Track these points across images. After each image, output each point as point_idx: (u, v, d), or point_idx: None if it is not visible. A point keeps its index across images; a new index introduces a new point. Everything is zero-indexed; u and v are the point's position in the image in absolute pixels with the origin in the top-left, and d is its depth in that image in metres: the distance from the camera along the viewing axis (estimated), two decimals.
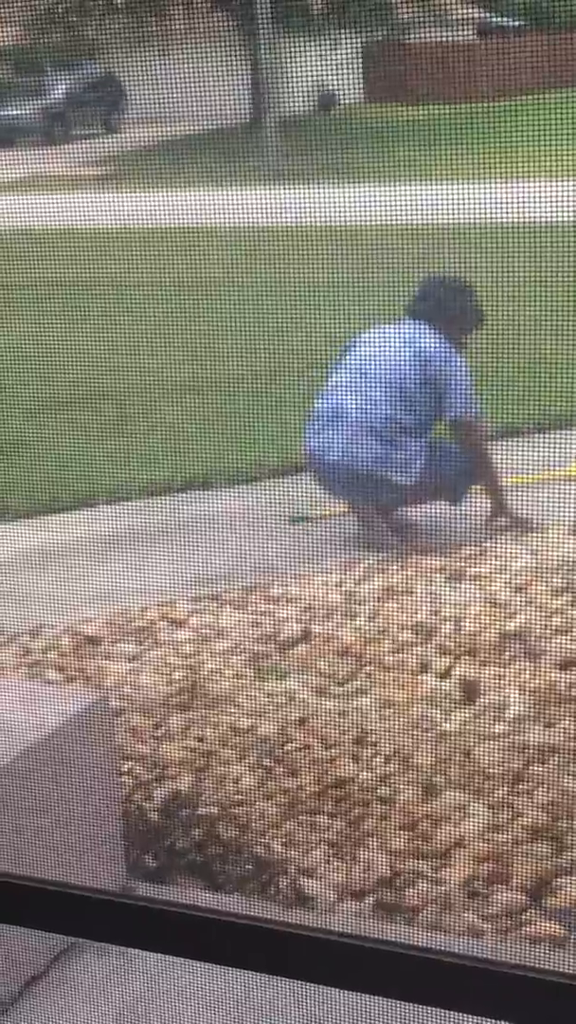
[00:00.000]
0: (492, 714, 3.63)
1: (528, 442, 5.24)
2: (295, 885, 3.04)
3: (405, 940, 2.89)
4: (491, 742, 3.48)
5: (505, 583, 4.45)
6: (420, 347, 4.89)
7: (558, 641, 4.01)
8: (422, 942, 2.85)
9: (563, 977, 1.38)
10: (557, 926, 2.83)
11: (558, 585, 4.40)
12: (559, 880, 2.94)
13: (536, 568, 4.55)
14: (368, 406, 4.93)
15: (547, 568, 4.53)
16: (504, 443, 5.31)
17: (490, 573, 4.57)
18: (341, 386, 4.99)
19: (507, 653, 3.97)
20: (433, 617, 4.26)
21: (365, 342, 5.03)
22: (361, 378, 4.97)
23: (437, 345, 4.89)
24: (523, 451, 5.18)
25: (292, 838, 3.20)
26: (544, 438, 5.30)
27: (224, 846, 3.20)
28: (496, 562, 4.64)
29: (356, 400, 4.94)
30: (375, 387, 4.94)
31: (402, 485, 4.94)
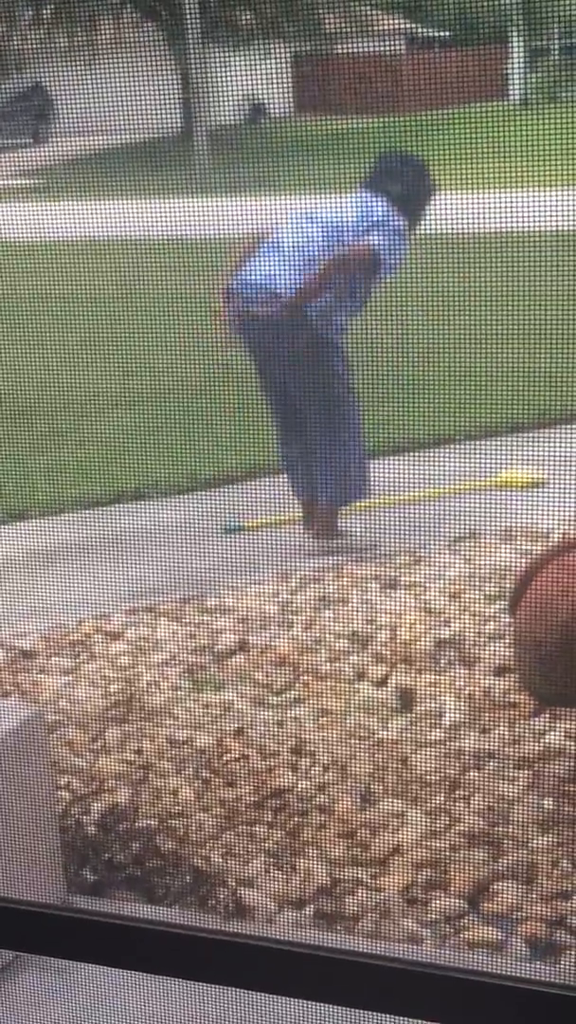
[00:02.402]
0: (428, 721, 3.65)
1: (459, 451, 5.29)
2: (235, 896, 3.04)
3: (345, 947, 2.90)
4: (428, 749, 3.50)
5: (440, 591, 4.48)
6: (365, 208, 4.97)
7: (492, 648, 4.04)
8: (361, 949, 2.86)
9: (499, 979, 1.39)
10: (494, 931, 2.85)
11: (491, 592, 4.43)
12: (496, 885, 2.96)
13: (470, 575, 4.58)
14: (299, 246, 5.00)
15: (480, 575, 4.57)
16: (436, 452, 5.35)
17: (424, 581, 4.60)
18: (274, 249, 5.06)
19: (442, 660, 4.00)
20: (368, 626, 4.28)
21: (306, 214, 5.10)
22: (311, 223, 5.04)
23: (383, 207, 4.97)
24: (454, 461, 5.23)
25: (231, 849, 3.20)
26: (474, 447, 5.35)
27: (163, 859, 3.19)
28: (430, 570, 4.67)
29: (287, 253, 5.01)
30: (309, 231, 5.01)
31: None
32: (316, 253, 5.00)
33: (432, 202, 5.02)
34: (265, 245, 5.09)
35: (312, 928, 2.95)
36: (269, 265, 5.04)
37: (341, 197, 5.16)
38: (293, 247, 5.05)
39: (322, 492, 5.10)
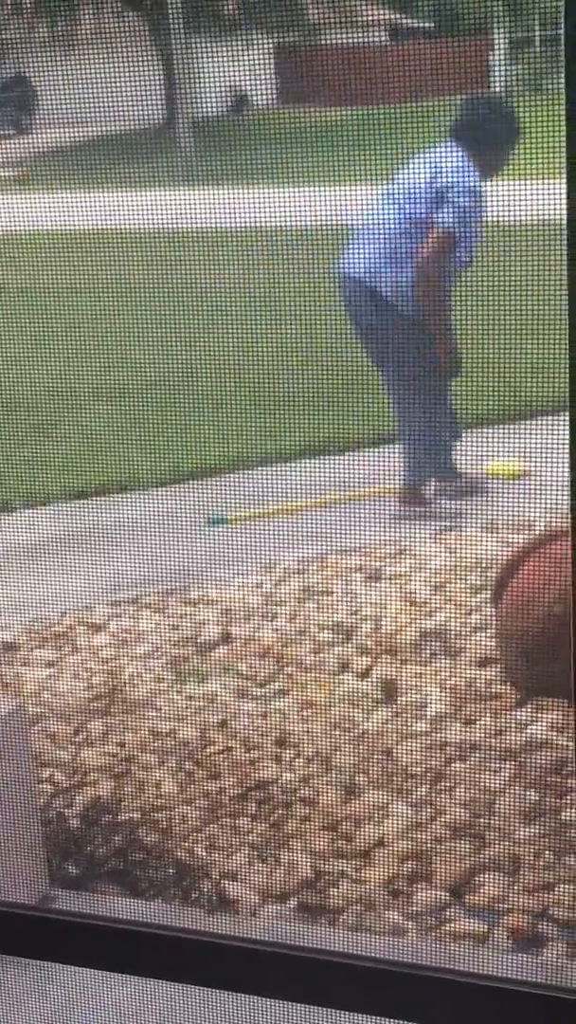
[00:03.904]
0: (412, 713, 3.64)
1: None
2: (218, 889, 3.03)
3: (329, 941, 2.89)
4: (412, 741, 3.49)
5: (423, 581, 4.47)
6: (439, 166, 4.91)
7: (476, 639, 4.04)
8: (345, 943, 2.85)
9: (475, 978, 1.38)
10: (478, 923, 2.84)
11: (475, 583, 4.42)
12: (479, 877, 2.96)
13: (454, 566, 4.58)
14: (391, 227, 5.02)
15: (464, 566, 4.56)
16: None
17: (408, 572, 4.59)
18: (378, 208, 5.08)
19: (426, 651, 3.99)
20: (352, 617, 4.27)
21: (409, 165, 5.07)
22: (391, 203, 5.03)
23: (457, 162, 4.90)
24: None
25: (215, 842, 3.19)
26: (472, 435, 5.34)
27: (146, 852, 3.18)
28: (413, 561, 4.66)
29: (384, 221, 5.04)
30: (397, 208, 5.00)
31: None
32: (396, 234, 5.01)
33: (516, 148, 4.89)
34: (357, 231, 5.14)
35: (295, 921, 2.94)
36: (361, 256, 5.07)
37: (418, 155, 5.09)
38: (376, 233, 5.09)
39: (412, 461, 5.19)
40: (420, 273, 4.93)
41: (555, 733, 3.45)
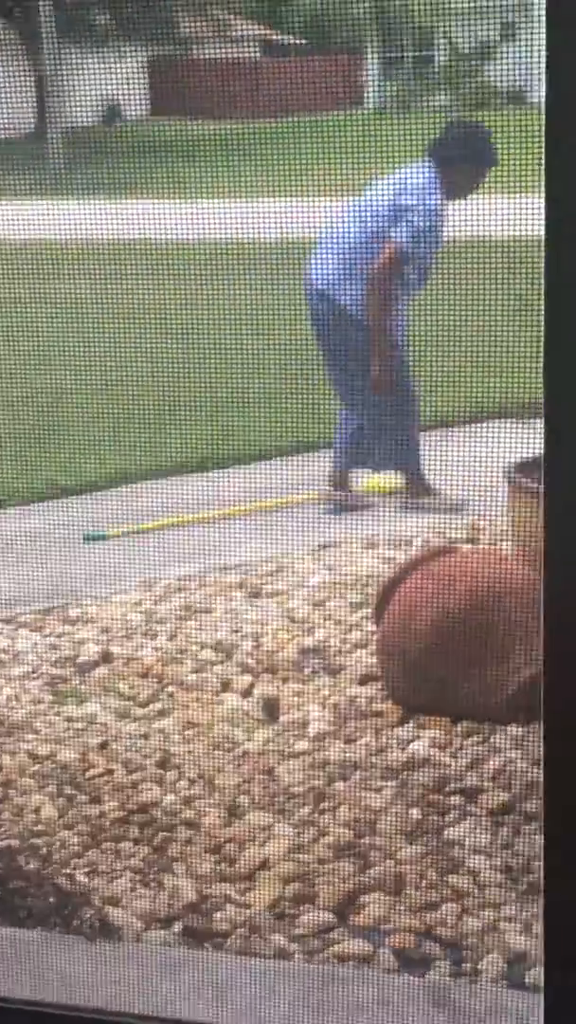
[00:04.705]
0: (294, 731, 3.64)
1: (321, 457, 5.30)
2: (100, 915, 2.99)
3: (214, 965, 2.87)
4: (294, 760, 3.49)
5: (303, 599, 4.48)
6: (405, 183, 4.94)
7: (356, 656, 4.05)
8: (231, 966, 2.83)
9: None
10: (363, 943, 2.84)
11: (355, 600, 4.44)
12: (364, 897, 2.96)
13: (333, 583, 4.59)
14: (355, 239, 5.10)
15: (344, 583, 4.58)
16: (301, 458, 5.36)
17: (288, 589, 4.59)
18: (344, 220, 5.15)
19: (307, 669, 4.00)
20: (233, 635, 4.26)
21: (380, 180, 5.12)
22: (356, 216, 5.09)
23: (423, 181, 4.93)
24: (316, 466, 5.24)
25: (96, 867, 3.15)
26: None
27: (25, 879, 3.13)
28: (293, 578, 4.67)
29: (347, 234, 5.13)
30: (361, 221, 5.08)
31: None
32: (359, 245, 5.09)
33: (487, 175, 4.91)
34: (321, 240, 5.17)
35: (180, 945, 2.91)
36: (324, 266, 5.12)
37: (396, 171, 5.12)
38: (339, 244, 5.15)
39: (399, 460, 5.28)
40: (369, 287, 5.00)
41: (436, 750, 3.48)
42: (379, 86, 5.83)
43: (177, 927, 2.95)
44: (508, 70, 5.17)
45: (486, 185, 4.66)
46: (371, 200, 5.03)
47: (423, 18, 5.14)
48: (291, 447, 5.48)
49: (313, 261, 5.18)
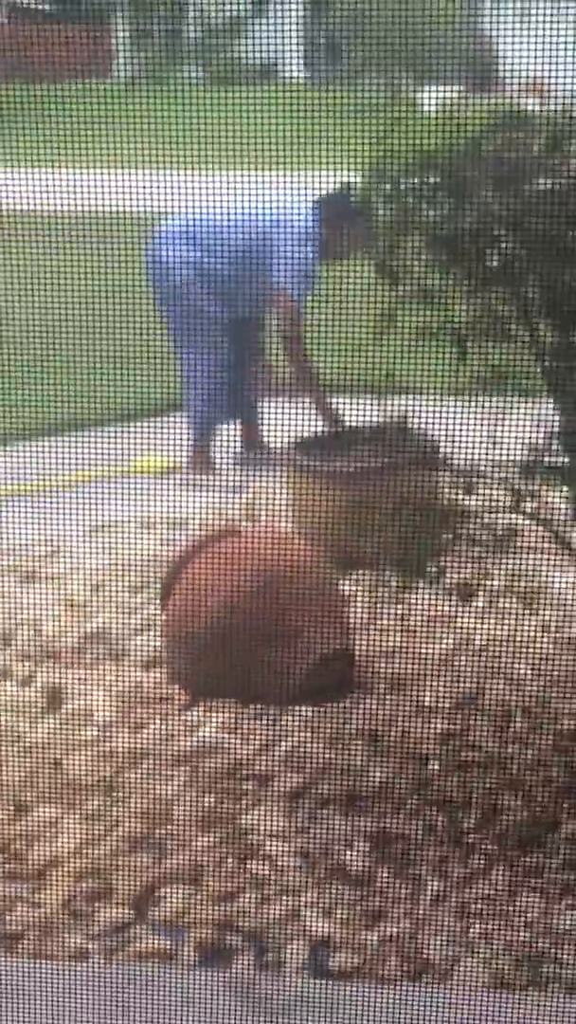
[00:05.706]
0: (80, 720, 3.52)
1: (94, 436, 5.15)
2: None
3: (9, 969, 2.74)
4: (81, 750, 3.37)
5: (81, 583, 4.35)
6: (290, 224, 5.08)
7: (140, 640, 3.95)
8: (27, 970, 2.71)
9: None
10: (164, 939, 2.77)
11: (135, 582, 4.34)
12: (163, 890, 2.88)
13: (111, 565, 4.48)
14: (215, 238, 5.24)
15: (122, 565, 4.47)
16: (70, 437, 5.20)
17: (65, 572, 4.45)
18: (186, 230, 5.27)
19: (89, 655, 3.88)
20: (9, 621, 4.10)
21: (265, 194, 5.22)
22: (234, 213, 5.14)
23: (306, 232, 5.09)
24: (89, 446, 5.09)
25: None
26: (108, 432, 5.24)
27: None
28: (70, 561, 4.53)
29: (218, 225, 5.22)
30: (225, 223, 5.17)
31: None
32: (219, 250, 5.24)
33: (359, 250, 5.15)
34: (177, 221, 5.24)
35: None
36: (175, 252, 5.24)
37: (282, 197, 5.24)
38: (195, 238, 5.26)
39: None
40: (284, 342, 5.33)
41: (226, 734, 3.42)
42: (128, 58, 5.76)
43: None
44: (258, 46, 5.17)
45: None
46: (244, 215, 5.12)
47: None
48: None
49: (162, 242, 5.26)
